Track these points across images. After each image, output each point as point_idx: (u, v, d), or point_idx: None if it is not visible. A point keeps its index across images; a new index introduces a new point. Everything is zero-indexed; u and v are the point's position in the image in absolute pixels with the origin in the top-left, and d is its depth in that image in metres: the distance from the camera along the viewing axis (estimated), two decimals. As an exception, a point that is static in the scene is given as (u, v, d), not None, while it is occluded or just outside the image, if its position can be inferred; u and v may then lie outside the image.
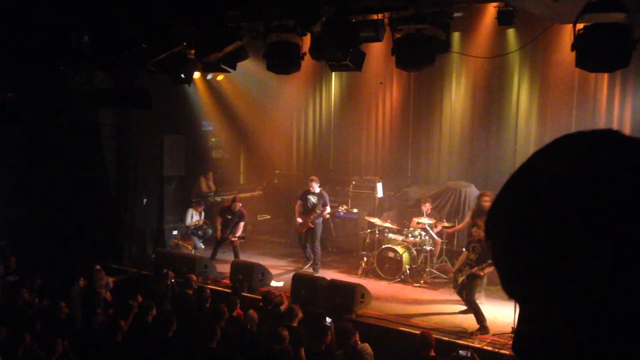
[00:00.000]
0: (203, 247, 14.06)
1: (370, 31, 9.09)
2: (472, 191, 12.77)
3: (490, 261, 9.22)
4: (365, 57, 9.64)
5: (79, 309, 10.04)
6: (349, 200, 13.98)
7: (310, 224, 12.30)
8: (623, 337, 0.75)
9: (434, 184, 13.85)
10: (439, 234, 12.16)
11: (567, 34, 8.12)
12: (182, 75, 10.77)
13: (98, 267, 10.79)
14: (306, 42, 9.71)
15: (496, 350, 8.56)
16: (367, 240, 12.72)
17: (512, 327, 9.06)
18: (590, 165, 0.78)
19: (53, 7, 9.42)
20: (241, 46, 10.13)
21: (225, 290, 11.06)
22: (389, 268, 11.79)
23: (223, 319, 8.70)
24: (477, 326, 9.23)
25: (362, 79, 14.55)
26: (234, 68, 10.60)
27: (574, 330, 0.78)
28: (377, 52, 12.74)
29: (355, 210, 13.67)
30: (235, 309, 9.24)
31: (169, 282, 10.52)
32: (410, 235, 12.03)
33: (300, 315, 8.78)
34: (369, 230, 12.67)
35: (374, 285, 11.20)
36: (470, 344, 8.66)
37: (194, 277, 10.56)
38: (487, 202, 9.94)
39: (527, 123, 13.25)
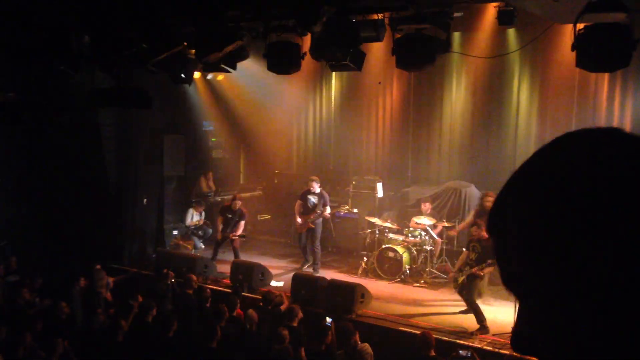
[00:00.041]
0: (203, 247, 14.06)
1: (370, 31, 9.09)
2: (472, 191, 12.77)
3: (490, 261, 9.23)
4: (366, 57, 9.64)
5: (80, 309, 10.04)
6: (349, 200, 13.98)
7: (310, 224, 12.31)
8: (623, 337, 0.75)
9: (434, 184, 13.83)
10: (439, 234, 12.16)
11: (567, 33, 8.12)
12: (182, 75, 10.77)
13: (98, 267, 10.80)
14: (306, 42, 9.71)
15: (496, 350, 8.56)
16: (367, 240, 12.71)
17: (512, 327, 9.05)
18: (590, 165, 0.78)
19: (53, 7, 9.42)
20: (241, 46, 10.13)
21: (225, 290, 11.06)
22: (389, 268, 11.78)
23: (223, 319, 8.70)
24: (477, 326, 9.23)
25: (362, 79, 14.54)
26: (234, 68, 10.59)
27: (574, 330, 0.78)
28: (377, 52, 12.74)
29: (355, 210, 13.66)
30: (235, 309, 9.24)
31: (169, 282, 10.53)
32: (410, 235, 12.03)
33: (301, 315, 8.79)
34: (369, 230, 12.66)
35: (374, 285, 11.19)
36: (470, 343, 8.66)
37: (194, 277, 10.57)
38: (490, 202, 9.90)
39: (528, 123, 13.24)
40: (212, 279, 11.93)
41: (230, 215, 12.80)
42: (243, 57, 10.48)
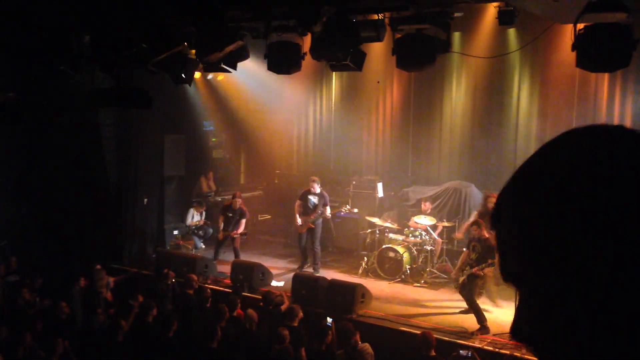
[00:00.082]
0: (204, 247, 14.06)
1: (370, 31, 9.08)
2: (473, 191, 12.77)
3: (490, 260, 9.23)
4: (366, 57, 9.64)
5: (80, 308, 10.04)
6: (350, 200, 13.98)
7: (311, 224, 12.31)
8: (623, 337, 0.75)
9: (435, 184, 13.83)
10: (439, 233, 12.17)
11: (567, 33, 8.11)
12: (183, 75, 10.76)
13: (99, 266, 10.80)
14: (307, 42, 9.70)
15: (496, 350, 8.56)
16: (368, 240, 12.71)
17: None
18: (590, 164, 0.78)
19: (53, 7, 9.42)
20: (242, 46, 10.13)
21: (225, 290, 11.06)
22: (389, 268, 11.78)
23: (224, 319, 8.70)
24: (477, 326, 9.23)
25: (362, 79, 14.55)
26: (235, 68, 10.59)
27: (574, 330, 0.77)
28: (377, 52, 12.73)
29: (355, 210, 13.66)
30: (235, 308, 9.24)
31: (169, 282, 10.53)
32: (410, 235, 12.03)
33: (301, 315, 8.79)
34: (369, 230, 12.66)
35: (374, 285, 11.19)
36: (470, 343, 8.66)
37: (195, 277, 10.56)
38: (492, 203, 9.95)
39: (528, 123, 13.24)
40: (213, 279, 11.92)
41: (231, 214, 12.81)
42: (243, 57, 10.49)
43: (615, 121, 12.02)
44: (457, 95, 14.13)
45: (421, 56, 8.77)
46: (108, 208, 13.50)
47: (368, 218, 12.83)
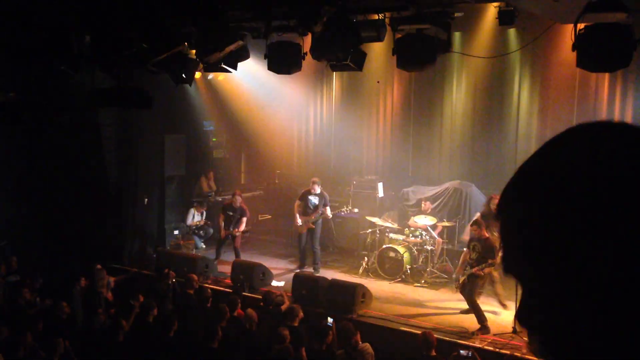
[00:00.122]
0: (204, 247, 14.07)
1: (371, 31, 9.08)
2: (473, 191, 12.76)
3: (490, 260, 9.23)
4: (366, 57, 9.63)
5: (80, 308, 10.04)
6: (350, 200, 13.97)
7: (311, 224, 12.30)
8: (623, 337, 0.74)
9: (435, 184, 13.82)
10: (439, 233, 12.16)
11: (567, 33, 8.10)
12: (183, 75, 10.76)
13: (99, 266, 10.79)
14: (307, 42, 9.70)
15: (497, 350, 8.56)
16: (368, 240, 12.71)
17: (512, 327, 9.06)
18: (590, 164, 0.77)
19: (53, 7, 9.41)
20: (242, 46, 10.13)
21: (226, 290, 11.06)
22: (389, 268, 11.78)
23: (224, 319, 8.70)
24: (478, 326, 9.23)
25: (363, 79, 14.55)
26: (235, 68, 10.59)
27: (574, 330, 0.77)
28: (378, 52, 12.73)
29: (356, 210, 13.65)
30: (236, 308, 9.24)
31: (170, 282, 10.53)
32: (411, 235, 12.02)
33: (301, 315, 8.79)
34: (369, 230, 12.65)
35: (374, 285, 11.20)
36: (471, 343, 8.66)
37: (195, 277, 10.56)
38: (496, 205, 9.97)
39: (528, 123, 13.24)
40: (213, 278, 11.93)
41: (231, 213, 12.82)
42: (244, 57, 10.48)
43: (616, 121, 12.00)
44: (458, 95, 14.13)
45: (421, 56, 8.77)
46: (108, 208, 13.50)
47: (368, 218, 12.82)
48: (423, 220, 12.13)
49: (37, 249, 12.61)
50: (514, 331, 9.00)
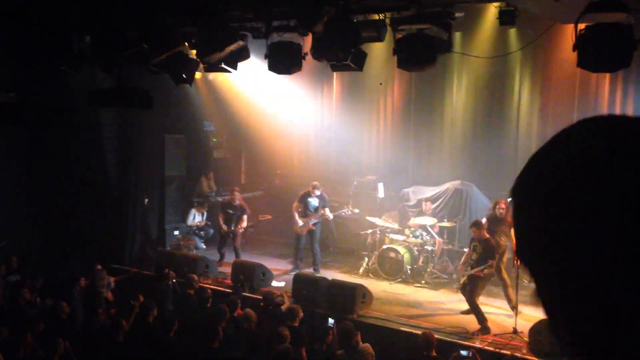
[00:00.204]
0: (204, 247, 14.07)
1: (371, 31, 9.08)
2: (474, 191, 12.76)
3: (490, 262, 9.24)
4: (367, 57, 9.63)
5: (81, 308, 10.04)
6: (350, 201, 13.97)
7: (312, 225, 12.30)
8: (623, 337, 0.74)
9: (436, 184, 13.82)
10: (440, 233, 12.16)
11: (568, 33, 8.10)
12: (183, 75, 10.76)
13: (99, 266, 10.80)
14: (307, 42, 9.70)
15: (497, 350, 8.56)
16: (369, 241, 12.71)
17: (512, 327, 9.06)
18: (590, 164, 0.77)
19: (53, 7, 9.41)
20: (242, 46, 10.12)
21: (226, 290, 11.06)
22: (390, 268, 11.78)
23: (224, 319, 8.70)
24: (478, 326, 9.23)
25: (363, 80, 14.54)
26: (236, 68, 10.59)
27: (574, 330, 0.77)
28: (378, 52, 12.74)
29: (356, 211, 13.64)
30: (236, 309, 9.24)
31: (170, 282, 10.53)
32: (411, 235, 12.02)
33: (301, 315, 8.79)
34: (370, 231, 12.66)
35: (375, 286, 11.20)
36: (471, 344, 8.66)
37: (195, 277, 10.57)
38: (502, 210, 10.03)
39: (529, 123, 13.24)
40: (213, 279, 11.93)
41: (231, 211, 12.84)
42: (244, 57, 10.48)
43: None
44: (458, 95, 14.12)
45: (422, 56, 8.76)
46: (108, 208, 13.51)
47: (369, 218, 12.82)
48: (424, 221, 12.13)
49: (37, 249, 12.62)
50: (514, 331, 9.00)
